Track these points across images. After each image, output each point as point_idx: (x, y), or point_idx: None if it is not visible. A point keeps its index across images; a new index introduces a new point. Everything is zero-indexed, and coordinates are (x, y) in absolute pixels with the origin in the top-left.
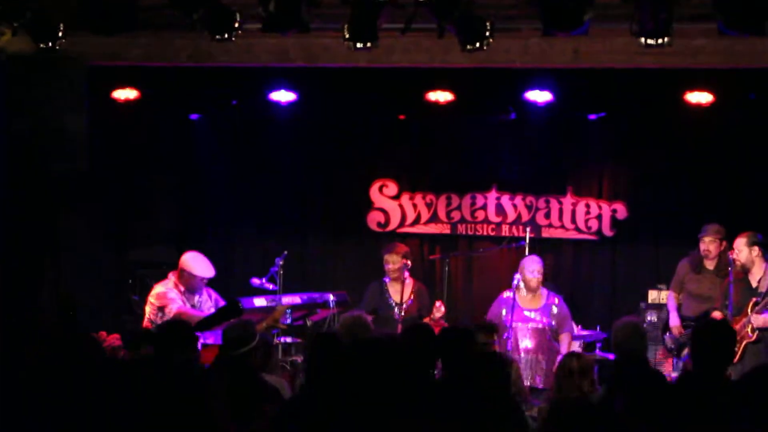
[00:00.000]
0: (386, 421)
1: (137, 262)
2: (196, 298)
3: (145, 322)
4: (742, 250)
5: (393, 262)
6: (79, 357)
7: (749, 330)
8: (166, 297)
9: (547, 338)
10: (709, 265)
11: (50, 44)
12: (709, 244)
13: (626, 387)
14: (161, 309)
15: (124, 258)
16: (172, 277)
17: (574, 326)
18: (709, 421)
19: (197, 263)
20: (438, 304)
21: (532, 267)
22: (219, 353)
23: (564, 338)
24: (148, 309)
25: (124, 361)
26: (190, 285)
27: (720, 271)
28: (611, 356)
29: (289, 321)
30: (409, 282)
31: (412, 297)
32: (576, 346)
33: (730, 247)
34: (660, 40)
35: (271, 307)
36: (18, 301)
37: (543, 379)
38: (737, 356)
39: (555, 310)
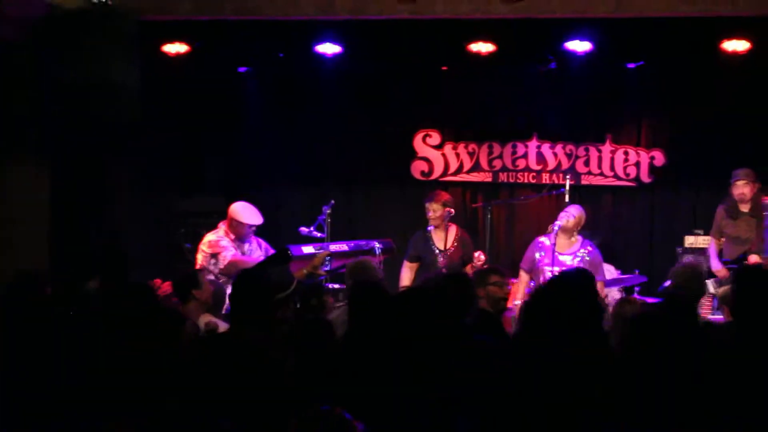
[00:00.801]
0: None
1: (188, 212)
2: (246, 246)
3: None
4: None
5: (434, 210)
6: (134, 306)
7: None
8: (218, 245)
9: None
10: (744, 208)
11: None
12: (743, 188)
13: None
14: (214, 256)
15: (176, 207)
16: (222, 226)
17: (606, 273)
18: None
19: (245, 211)
20: (478, 253)
21: (570, 211)
22: (260, 299)
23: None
24: (200, 257)
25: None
26: (239, 233)
27: (756, 212)
28: (649, 299)
29: (329, 267)
30: (453, 229)
31: (455, 244)
32: (615, 291)
33: (765, 190)
34: None
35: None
36: (71, 248)
37: None
38: None
39: (587, 256)
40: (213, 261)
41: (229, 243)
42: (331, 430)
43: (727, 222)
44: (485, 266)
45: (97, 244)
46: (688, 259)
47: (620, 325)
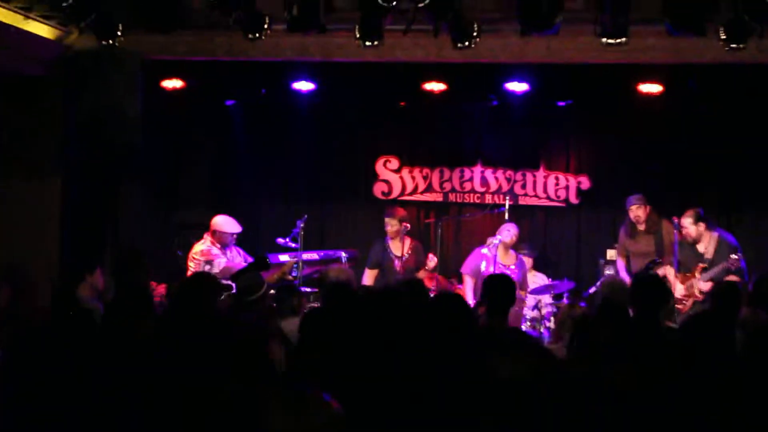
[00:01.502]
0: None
1: (180, 223)
2: (228, 254)
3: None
4: (690, 227)
5: (392, 224)
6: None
7: (697, 291)
8: (210, 253)
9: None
10: (641, 227)
11: (111, 41)
12: (636, 211)
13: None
14: (208, 263)
15: (170, 219)
16: (207, 237)
17: (540, 280)
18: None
19: (226, 222)
20: (431, 256)
21: (511, 230)
22: (234, 300)
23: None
24: (192, 264)
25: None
26: (222, 241)
27: (650, 227)
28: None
29: (296, 274)
30: (407, 240)
31: (409, 252)
32: (548, 297)
33: (678, 214)
34: (619, 40)
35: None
36: (84, 256)
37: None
38: (685, 310)
39: (522, 269)
40: (207, 267)
41: (218, 251)
42: (310, 411)
43: (629, 241)
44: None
45: (106, 250)
46: (609, 271)
47: (569, 326)
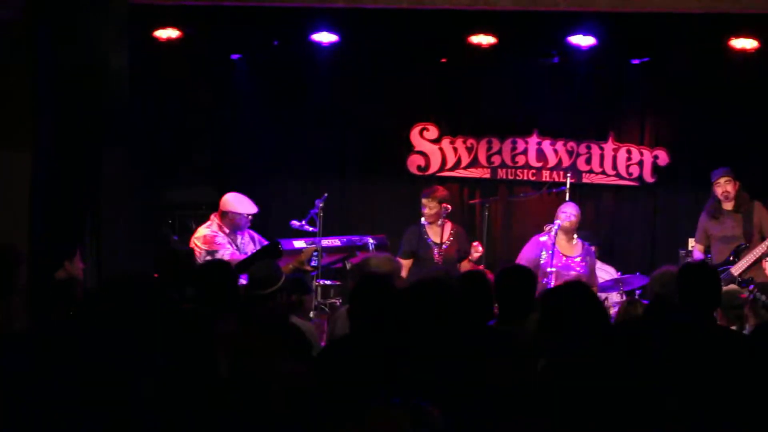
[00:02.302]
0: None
1: (177, 203)
2: (239, 239)
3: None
4: None
5: (431, 207)
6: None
7: None
8: (214, 242)
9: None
10: (728, 206)
11: None
12: (725, 185)
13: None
14: (211, 253)
15: (164, 197)
16: (215, 219)
17: (606, 274)
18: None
19: (240, 201)
20: (476, 244)
21: (569, 211)
22: (245, 292)
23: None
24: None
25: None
26: (234, 224)
27: (740, 206)
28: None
29: (315, 263)
30: (448, 225)
31: (450, 239)
32: (615, 294)
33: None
34: None
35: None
36: (60, 238)
37: None
38: None
39: (589, 260)
40: (208, 257)
41: (224, 239)
42: (412, 420)
43: (712, 223)
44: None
45: (86, 231)
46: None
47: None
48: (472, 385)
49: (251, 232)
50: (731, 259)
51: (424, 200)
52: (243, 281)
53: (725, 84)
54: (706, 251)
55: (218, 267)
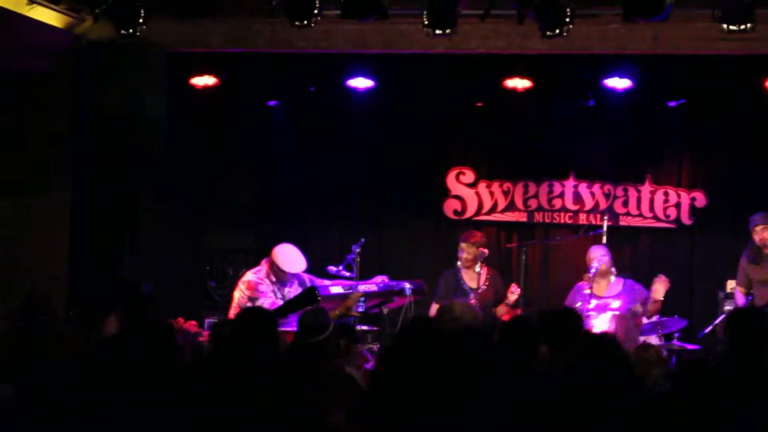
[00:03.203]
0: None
1: (214, 248)
2: (287, 289)
3: (234, 308)
4: None
5: (468, 252)
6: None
7: None
8: (257, 289)
9: (626, 324)
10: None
11: (131, 30)
12: (762, 232)
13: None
14: (252, 300)
15: (201, 243)
16: (264, 265)
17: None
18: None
19: (286, 258)
20: (513, 287)
21: (597, 254)
22: (294, 340)
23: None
24: (237, 294)
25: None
26: (279, 277)
27: None
28: (690, 346)
29: (362, 309)
30: (484, 269)
31: (487, 283)
32: (654, 337)
33: None
34: (742, 26)
35: (347, 294)
36: (98, 282)
37: None
38: None
39: (635, 292)
40: (250, 304)
41: (268, 287)
42: None
43: (752, 267)
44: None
45: (118, 279)
46: (729, 307)
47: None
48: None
49: (307, 276)
50: None
51: (462, 245)
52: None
53: (763, 125)
54: (748, 294)
55: (256, 313)
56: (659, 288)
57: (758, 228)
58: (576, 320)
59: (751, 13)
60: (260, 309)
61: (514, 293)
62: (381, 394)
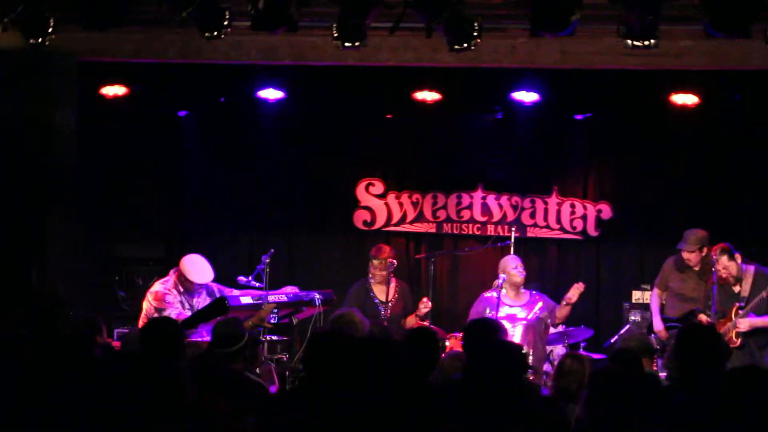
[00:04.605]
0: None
1: (124, 258)
2: (195, 299)
3: (142, 319)
4: (728, 265)
5: (381, 268)
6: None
7: (733, 335)
8: (164, 300)
9: (535, 333)
10: (695, 267)
11: (40, 39)
12: (689, 255)
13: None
14: (159, 310)
15: (111, 254)
16: (172, 276)
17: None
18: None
19: (193, 268)
20: (425, 300)
21: (514, 264)
22: (207, 350)
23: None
24: (145, 305)
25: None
26: (187, 288)
27: (704, 273)
28: (595, 355)
29: (275, 320)
30: (393, 281)
31: (396, 296)
32: (560, 347)
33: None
34: (646, 42)
35: (258, 305)
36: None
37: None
38: None
39: (541, 305)
40: (157, 315)
41: (175, 298)
42: None
43: (676, 275)
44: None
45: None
46: (634, 317)
47: (560, 379)
48: None
49: (209, 285)
50: (685, 317)
51: (374, 261)
52: (201, 337)
53: (666, 138)
54: (662, 300)
55: (163, 324)
56: (575, 293)
57: (685, 253)
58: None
59: (654, 29)
60: (167, 319)
61: (426, 306)
62: (290, 401)
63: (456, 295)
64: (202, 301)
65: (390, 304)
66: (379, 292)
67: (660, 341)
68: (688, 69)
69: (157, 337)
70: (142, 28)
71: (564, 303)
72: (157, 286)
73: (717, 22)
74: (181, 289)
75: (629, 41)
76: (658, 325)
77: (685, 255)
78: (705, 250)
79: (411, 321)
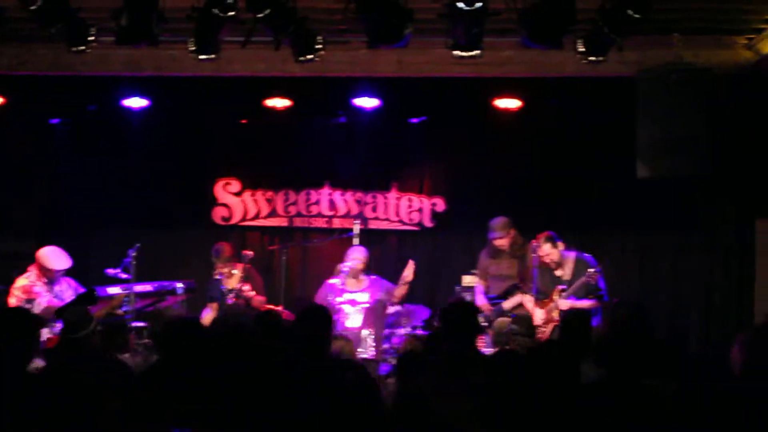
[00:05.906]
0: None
1: (0, 254)
2: (56, 288)
3: None
4: (551, 252)
5: (223, 268)
6: None
7: (555, 314)
8: (32, 290)
9: (374, 315)
10: (506, 249)
11: None
12: (499, 241)
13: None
14: (29, 301)
15: None
16: (33, 271)
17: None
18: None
19: (52, 256)
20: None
21: (354, 255)
22: (60, 337)
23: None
24: (13, 300)
25: None
26: (48, 277)
27: (515, 251)
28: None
29: (128, 308)
30: (237, 269)
31: (240, 282)
32: (401, 330)
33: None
34: (472, 53)
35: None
36: None
37: (374, 352)
38: (546, 336)
39: (380, 285)
40: (28, 305)
41: (42, 288)
42: None
43: (490, 262)
44: None
45: None
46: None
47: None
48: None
49: (68, 279)
50: (506, 293)
51: (218, 264)
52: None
53: (493, 139)
54: (486, 286)
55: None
56: (409, 272)
57: (496, 241)
58: None
59: (479, 41)
60: (22, 309)
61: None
62: (154, 381)
63: (306, 282)
64: (64, 289)
65: (239, 289)
66: (228, 283)
67: (486, 317)
68: (511, 76)
69: (12, 325)
70: (16, 43)
71: (401, 282)
72: (22, 281)
73: (533, 35)
74: (45, 280)
75: (457, 52)
76: (480, 301)
77: (498, 242)
78: (512, 231)
79: (258, 302)
